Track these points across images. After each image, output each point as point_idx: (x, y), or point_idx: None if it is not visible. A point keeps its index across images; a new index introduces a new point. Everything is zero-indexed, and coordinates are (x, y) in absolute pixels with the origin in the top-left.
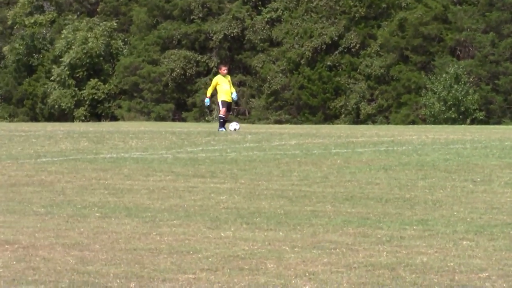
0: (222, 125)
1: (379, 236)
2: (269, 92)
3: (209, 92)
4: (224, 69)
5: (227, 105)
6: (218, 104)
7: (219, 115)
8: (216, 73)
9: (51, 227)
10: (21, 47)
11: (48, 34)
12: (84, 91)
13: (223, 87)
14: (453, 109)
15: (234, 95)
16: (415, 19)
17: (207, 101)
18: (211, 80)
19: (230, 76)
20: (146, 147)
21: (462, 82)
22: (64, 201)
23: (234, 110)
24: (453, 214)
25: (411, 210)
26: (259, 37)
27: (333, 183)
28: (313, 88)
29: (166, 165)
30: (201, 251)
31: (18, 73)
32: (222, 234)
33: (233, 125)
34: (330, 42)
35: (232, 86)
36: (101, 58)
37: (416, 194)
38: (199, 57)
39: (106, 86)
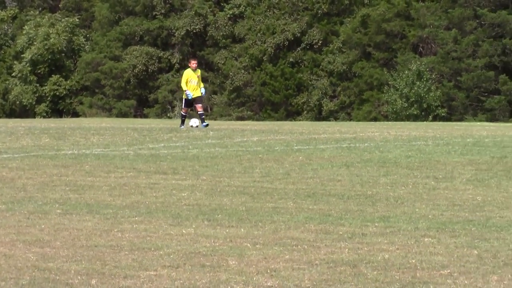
0: (184, 122)
1: (340, 233)
2: (231, 88)
3: (184, 85)
4: (193, 63)
5: (189, 102)
6: (183, 100)
7: (181, 112)
8: (179, 69)
9: (12, 224)
10: None
11: (9, 30)
12: (46, 87)
13: (191, 83)
14: (415, 106)
15: (203, 90)
16: (378, 16)
17: (188, 93)
18: (173, 76)
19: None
20: (108, 143)
21: (424, 79)
22: (25, 197)
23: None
24: (415, 211)
25: (373, 207)
26: (221, 34)
27: (295, 180)
28: (275, 84)
29: (127, 161)
30: (163, 248)
31: None
32: (184, 231)
33: (192, 121)
34: (292, 38)
35: (200, 80)
36: (63, 54)
37: (378, 191)
38: (161, 53)
39: (68, 82)
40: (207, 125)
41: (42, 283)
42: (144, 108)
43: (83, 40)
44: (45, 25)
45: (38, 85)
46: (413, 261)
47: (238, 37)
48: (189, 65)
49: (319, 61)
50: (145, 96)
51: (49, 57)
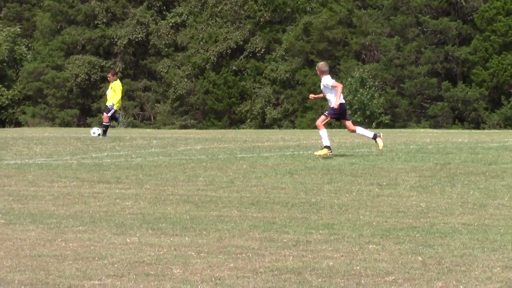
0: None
1: (285, 240)
2: (174, 97)
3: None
4: (107, 76)
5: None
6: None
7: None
8: (122, 78)
9: None
10: None
11: None
12: None
13: (107, 94)
14: (358, 113)
15: (110, 105)
16: (320, 24)
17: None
18: None
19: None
20: (51, 153)
21: (368, 86)
22: None
23: (139, 115)
24: (359, 218)
25: (317, 214)
26: (164, 42)
27: (239, 188)
28: (218, 92)
29: (71, 171)
30: (107, 257)
31: None
32: (128, 240)
33: (93, 130)
34: (235, 46)
35: (114, 93)
36: (5, 64)
37: (322, 198)
38: (104, 62)
39: (10, 92)
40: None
41: None
42: (87, 117)
43: (25, 49)
44: None
45: None
46: (358, 268)
47: (180, 46)
48: None
49: (262, 69)
50: (88, 105)
51: None
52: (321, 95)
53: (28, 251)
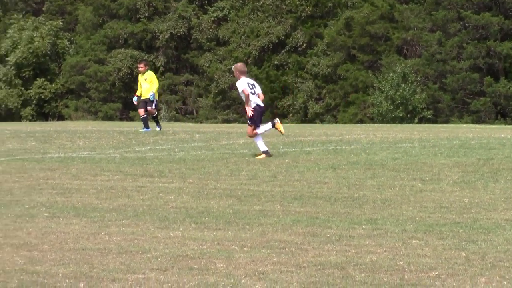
0: (145, 125)
1: (328, 235)
2: (216, 91)
3: (138, 91)
4: (139, 67)
5: (142, 104)
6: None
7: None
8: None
9: None
10: None
11: None
12: (31, 91)
13: (142, 86)
14: (400, 108)
15: (151, 95)
16: (362, 18)
17: (135, 99)
18: (157, 79)
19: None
20: (94, 146)
21: (410, 81)
22: (12, 201)
23: (182, 109)
24: (402, 213)
25: (360, 209)
26: (205, 36)
27: (281, 182)
28: (260, 87)
29: (114, 164)
30: (150, 251)
31: None
32: (171, 234)
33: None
34: (277, 41)
35: (152, 83)
36: (47, 58)
37: (364, 193)
38: (146, 56)
39: (53, 85)
40: (145, 130)
41: (30, 286)
42: (130, 111)
43: (67, 43)
44: (29, 29)
45: (23, 88)
46: (401, 263)
47: (222, 40)
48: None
49: (304, 64)
50: (130, 99)
51: (34, 60)
52: None
53: (72, 244)
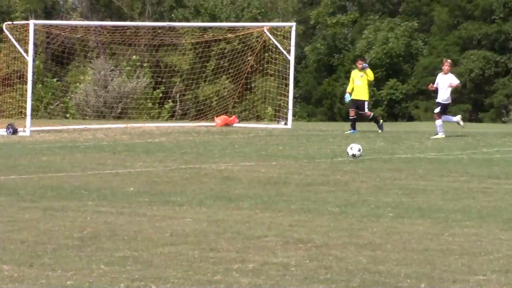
0: (352, 126)
1: None
2: None
3: (349, 87)
4: (359, 63)
5: (354, 104)
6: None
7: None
8: None
9: (344, 227)
10: (323, 47)
11: (349, 34)
12: (383, 91)
13: (355, 83)
14: None
15: (347, 96)
16: None
17: (347, 96)
18: (509, 80)
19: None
20: (442, 147)
21: None
22: (358, 200)
23: None
24: None
25: None
26: None
27: None
28: None
29: (461, 165)
30: (493, 253)
31: (319, 73)
32: None
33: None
34: None
35: (365, 81)
36: (401, 58)
37: None
38: (498, 58)
39: (405, 86)
40: (352, 132)
41: (372, 285)
42: (479, 112)
43: (421, 44)
44: (384, 29)
45: (375, 88)
46: None
47: None
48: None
49: None
50: (480, 100)
51: (387, 61)
52: None
53: (415, 245)
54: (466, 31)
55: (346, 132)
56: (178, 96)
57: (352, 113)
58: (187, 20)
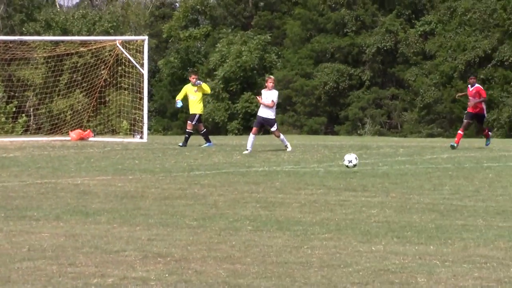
0: (206, 139)
1: None
2: (421, 105)
3: (178, 96)
4: (192, 78)
5: (192, 118)
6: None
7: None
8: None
9: (203, 240)
10: (176, 60)
11: (202, 47)
12: (238, 104)
13: (189, 98)
14: None
15: (178, 102)
16: None
17: (178, 102)
18: (363, 93)
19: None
20: (298, 160)
21: None
22: (216, 214)
23: (386, 124)
24: None
25: None
26: (412, 51)
27: (484, 197)
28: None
29: (317, 178)
30: (352, 265)
31: (173, 87)
32: (373, 248)
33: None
34: (483, 55)
35: (200, 96)
36: (255, 72)
37: None
38: (352, 70)
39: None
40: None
41: None
42: (335, 125)
43: (274, 57)
44: (237, 43)
45: (230, 102)
46: None
47: (428, 54)
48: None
49: (510, 78)
50: (335, 113)
51: (241, 74)
52: None
53: (275, 257)
54: (319, 44)
55: (203, 146)
56: (32, 110)
57: (190, 126)
58: (39, 34)
